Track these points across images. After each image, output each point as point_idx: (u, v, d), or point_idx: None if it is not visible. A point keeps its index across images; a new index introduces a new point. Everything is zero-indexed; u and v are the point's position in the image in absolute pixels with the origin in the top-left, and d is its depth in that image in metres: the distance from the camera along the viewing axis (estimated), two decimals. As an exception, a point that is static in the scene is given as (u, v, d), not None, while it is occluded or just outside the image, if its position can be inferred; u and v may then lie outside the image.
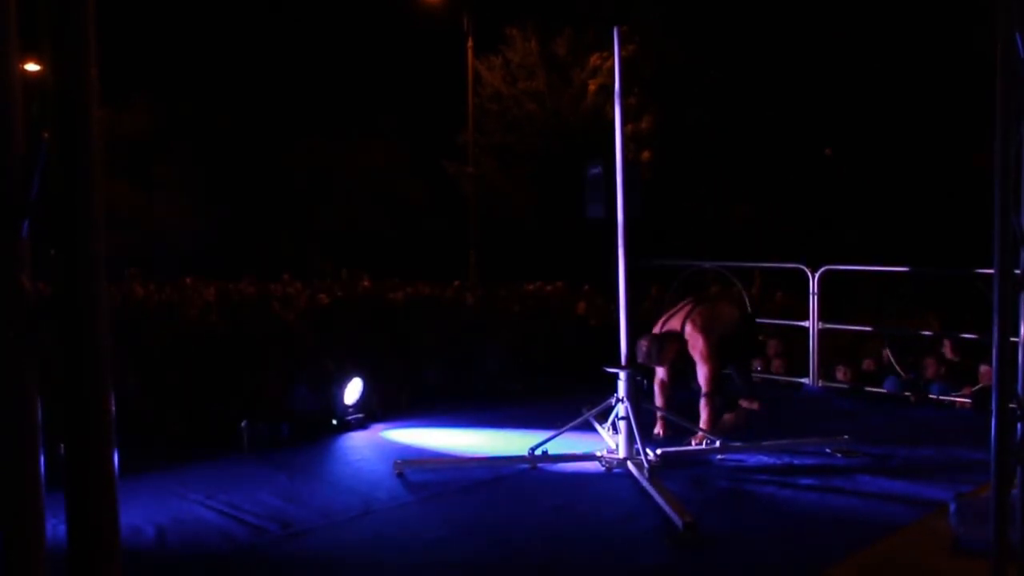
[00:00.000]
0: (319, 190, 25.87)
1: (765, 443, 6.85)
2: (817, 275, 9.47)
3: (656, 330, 7.38)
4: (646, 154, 21.57)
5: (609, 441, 6.76)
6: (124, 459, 1.77)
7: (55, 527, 1.73)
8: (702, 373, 7.13)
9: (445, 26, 24.51)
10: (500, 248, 23.95)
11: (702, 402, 7.13)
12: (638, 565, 4.72)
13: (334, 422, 7.75)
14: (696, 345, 7.14)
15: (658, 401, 7.46)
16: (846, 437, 6.88)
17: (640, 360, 6.85)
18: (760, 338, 10.58)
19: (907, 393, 8.64)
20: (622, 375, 6.50)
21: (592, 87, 23.37)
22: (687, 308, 7.38)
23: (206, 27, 25.40)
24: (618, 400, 6.50)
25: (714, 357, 7.10)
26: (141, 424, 7.35)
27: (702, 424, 7.05)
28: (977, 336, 8.99)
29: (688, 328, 7.18)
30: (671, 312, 7.57)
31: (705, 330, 7.13)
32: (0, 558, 1.54)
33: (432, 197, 26.91)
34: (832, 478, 6.17)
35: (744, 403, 7.73)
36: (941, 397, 8.47)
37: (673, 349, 7.22)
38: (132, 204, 24.01)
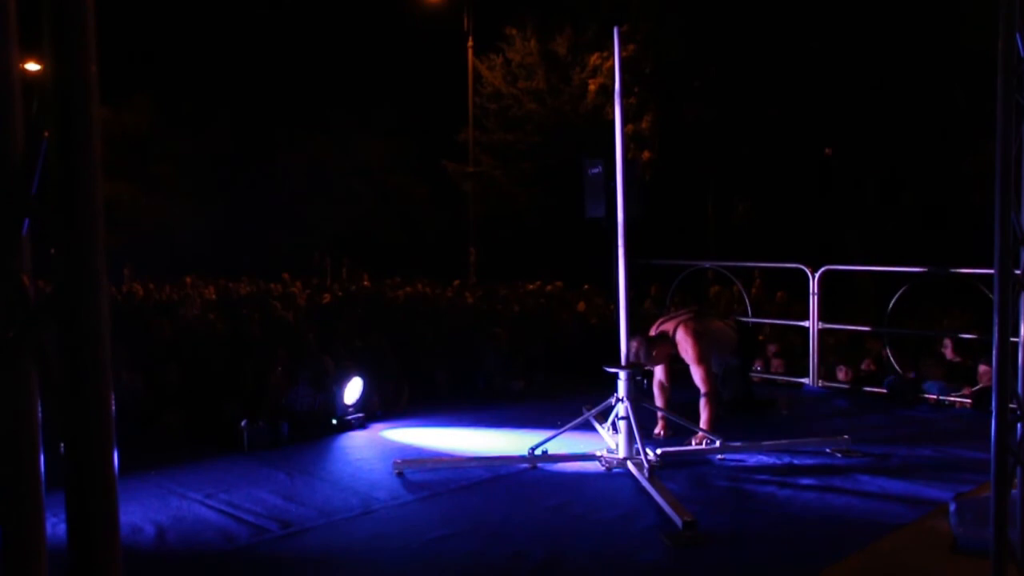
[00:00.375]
0: (319, 189, 25.87)
1: (765, 443, 6.85)
2: (817, 275, 9.48)
3: (652, 332, 7.41)
4: (646, 154, 21.56)
5: (609, 441, 6.76)
6: (124, 459, 1.77)
7: (55, 526, 1.73)
8: (697, 374, 7.16)
9: (445, 25, 24.52)
10: (500, 247, 23.94)
11: (702, 402, 7.14)
12: (638, 564, 4.72)
13: (334, 422, 7.75)
14: (687, 349, 7.18)
15: (658, 402, 7.47)
16: (846, 437, 6.88)
17: (630, 359, 6.87)
18: (760, 338, 10.61)
19: (906, 393, 8.63)
20: (622, 375, 6.50)
21: (592, 87, 23.36)
22: (684, 316, 7.43)
23: (207, 26, 25.40)
24: (618, 400, 6.50)
25: (706, 359, 7.13)
26: (141, 424, 7.36)
27: (702, 424, 7.06)
28: (976, 336, 9.00)
29: (680, 332, 7.21)
30: (669, 316, 7.62)
31: (696, 334, 7.17)
32: (0, 557, 1.54)
33: (432, 196, 26.91)
34: (832, 478, 6.17)
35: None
36: (941, 397, 8.47)
37: (663, 351, 7.26)
38: (132, 204, 24.01)
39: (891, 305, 9.25)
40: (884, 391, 8.82)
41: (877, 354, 9.63)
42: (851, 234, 19.69)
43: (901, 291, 9.20)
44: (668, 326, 7.36)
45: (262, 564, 4.82)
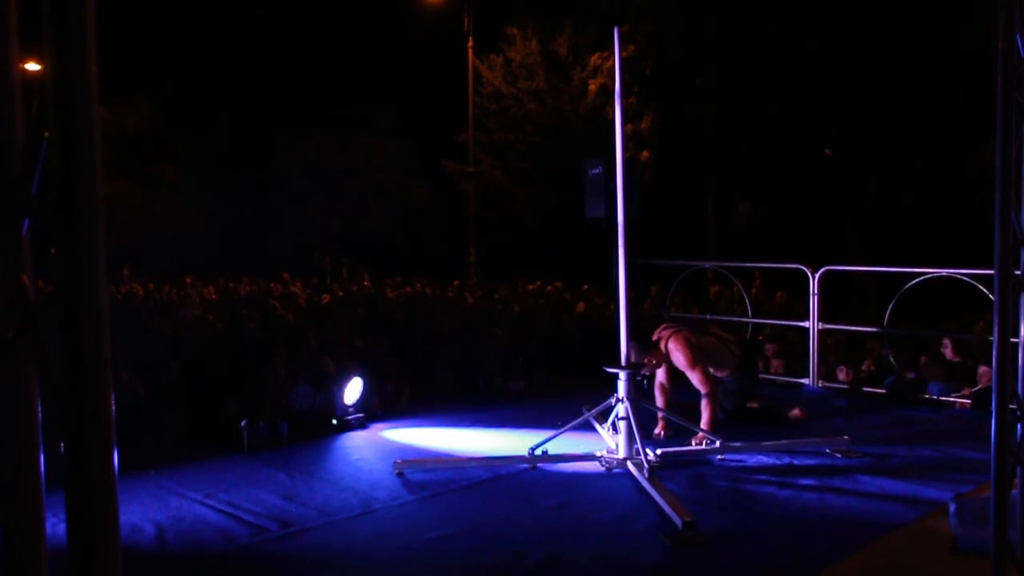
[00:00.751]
0: (319, 189, 25.87)
1: (765, 443, 6.85)
2: (817, 275, 9.47)
3: (653, 338, 7.43)
4: (645, 154, 21.55)
5: (609, 441, 6.76)
6: (124, 459, 1.77)
7: (55, 526, 1.73)
8: (695, 378, 7.19)
9: (446, 25, 24.52)
10: (500, 247, 23.93)
11: (703, 402, 7.15)
12: (638, 564, 4.72)
13: (334, 422, 7.75)
14: (678, 359, 7.25)
15: (658, 402, 7.48)
16: (846, 437, 6.88)
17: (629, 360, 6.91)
18: (760, 338, 10.61)
19: (906, 394, 8.63)
20: (622, 375, 6.50)
21: (592, 87, 23.35)
22: (682, 328, 7.44)
23: (207, 25, 25.39)
24: (618, 400, 6.50)
25: (699, 363, 7.16)
26: (141, 424, 7.36)
27: (703, 424, 7.06)
28: (973, 336, 8.99)
29: (671, 343, 7.25)
30: (670, 325, 7.60)
31: (687, 342, 7.21)
32: (0, 556, 1.54)
33: (433, 196, 26.91)
34: (832, 478, 6.17)
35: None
36: (941, 397, 8.47)
37: (656, 356, 7.32)
38: (132, 204, 24.00)
39: (891, 305, 9.24)
40: (884, 391, 8.82)
41: (877, 354, 9.63)
42: (851, 234, 19.68)
43: (901, 291, 9.19)
44: (664, 335, 7.38)
45: (262, 564, 4.82)
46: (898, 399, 8.57)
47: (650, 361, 7.28)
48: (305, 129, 26.08)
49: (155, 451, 6.81)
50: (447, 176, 25.27)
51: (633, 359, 6.98)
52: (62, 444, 1.49)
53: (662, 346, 7.30)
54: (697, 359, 7.15)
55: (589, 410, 7.20)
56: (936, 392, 8.53)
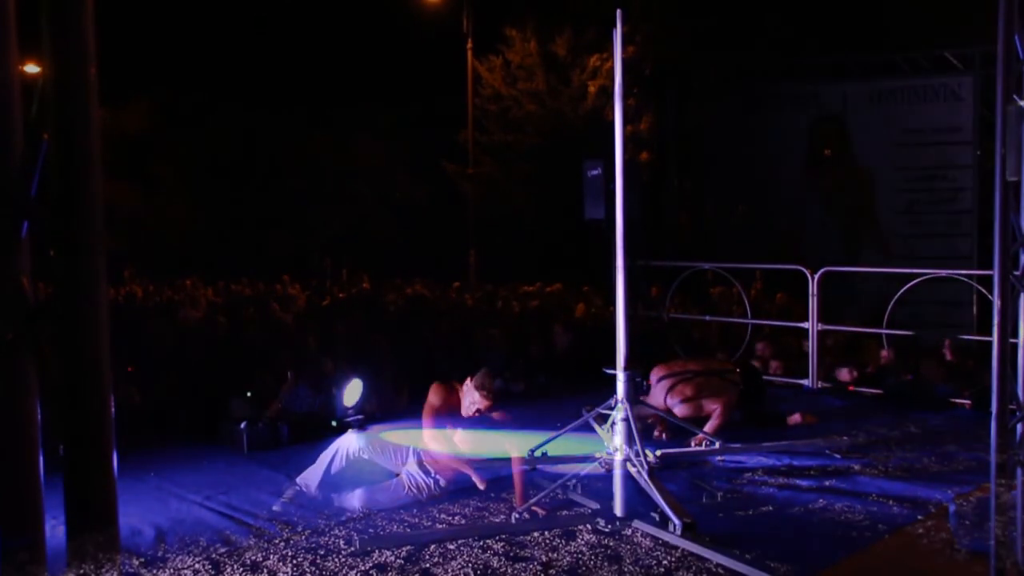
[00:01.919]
0: (318, 190, 25.86)
1: (765, 444, 6.86)
2: (817, 276, 9.47)
3: (652, 376, 7.51)
4: (645, 155, 21.52)
5: (608, 442, 6.75)
6: (124, 459, 1.77)
7: (55, 527, 1.73)
8: (705, 408, 7.25)
9: (445, 26, 24.53)
10: (500, 248, 23.91)
11: (717, 409, 7.16)
12: (637, 565, 4.72)
13: (334, 423, 7.74)
14: (679, 412, 7.31)
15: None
16: (845, 438, 6.88)
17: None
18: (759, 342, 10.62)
19: (906, 394, 8.63)
20: (621, 376, 6.50)
21: (592, 88, 23.35)
22: (678, 377, 7.44)
23: (207, 26, 25.40)
24: (617, 401, 6.49)
25: (697, 398, 7.26)
26: (141, 424, 7.36)
27: (708, 428, 7.06)
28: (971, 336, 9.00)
29: (670, 400, 7.35)
30: (669, 371, 7.56)
31: (682, 395, 7.29)
32: (0, 556, 1.55)
33: (432, 197, 26.91)
34: (831, 479, 6.18)
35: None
36: (941, 398, 8.47)
37: (655, 418, 7.42)
38: (132, 204, 23.98)
39: (890, 306, 9.25)
40: (883, 391, 8.82)
41: (876, 355, 9.63)
42: (850, 235, 19.67)
43: (901, 292, 9.20)
44: (660, 386, 7.41)
45: (261, 566, 4.82)
46: (897, 400, 8.57)
47: (657, 422, 7.38)
48: (305, 130, 26.09)
49: (155, 452, 6.80)
50: (447, 177, 25.27)
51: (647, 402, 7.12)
52: (62, 444, 1.49)
53: (662, 401, 7.37)
54: (696, 400, 7.26)
55: (589, 411, 7.19)
56: (937, 393, 8.53)
